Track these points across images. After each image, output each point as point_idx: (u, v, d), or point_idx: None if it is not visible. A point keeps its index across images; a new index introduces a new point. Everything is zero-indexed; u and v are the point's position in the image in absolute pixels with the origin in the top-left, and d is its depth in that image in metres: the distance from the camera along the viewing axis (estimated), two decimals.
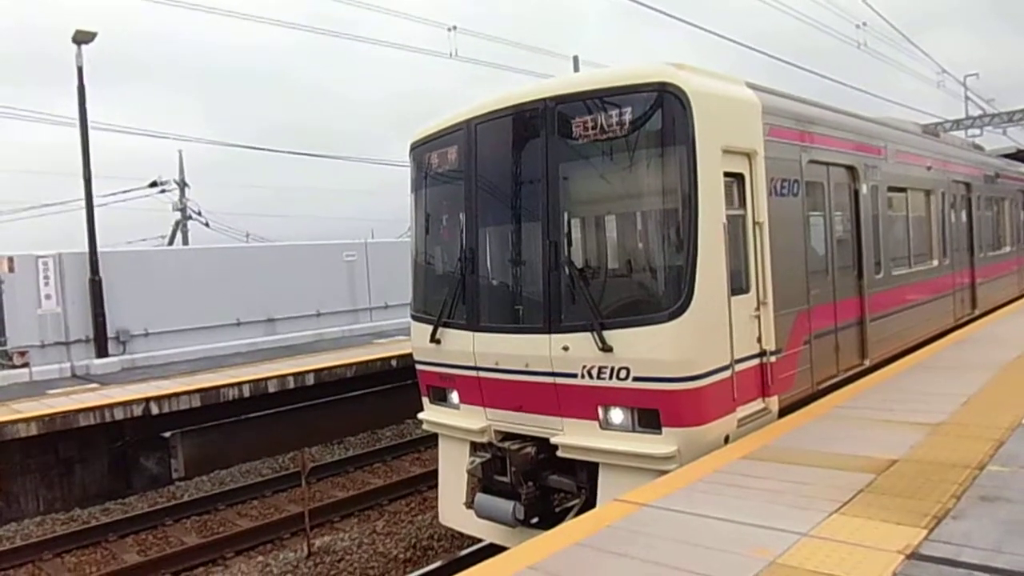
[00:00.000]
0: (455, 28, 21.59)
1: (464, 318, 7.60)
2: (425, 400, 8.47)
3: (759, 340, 7.08)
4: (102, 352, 17.15)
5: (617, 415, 6.53)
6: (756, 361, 7.03)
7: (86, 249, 17.25)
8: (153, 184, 30.95)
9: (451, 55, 21.64)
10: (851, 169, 9.39)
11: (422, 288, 8.67)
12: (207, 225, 33.02)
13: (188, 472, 13.22)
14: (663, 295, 6.49)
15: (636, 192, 6.94)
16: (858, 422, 6.91)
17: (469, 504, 7.68)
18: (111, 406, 12.34)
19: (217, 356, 17.95)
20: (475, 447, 7.71)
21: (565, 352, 6.68)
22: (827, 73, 22.47)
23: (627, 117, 6.42)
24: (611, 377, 6.43)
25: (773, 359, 7.13)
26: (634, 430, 6.44)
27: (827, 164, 8.77)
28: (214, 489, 12.50)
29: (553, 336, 6.77)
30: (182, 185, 32.34)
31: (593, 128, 6.58)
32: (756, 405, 7.02)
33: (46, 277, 16.79)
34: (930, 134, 13.93)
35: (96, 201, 17.85)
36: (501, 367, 7.27)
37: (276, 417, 14.27)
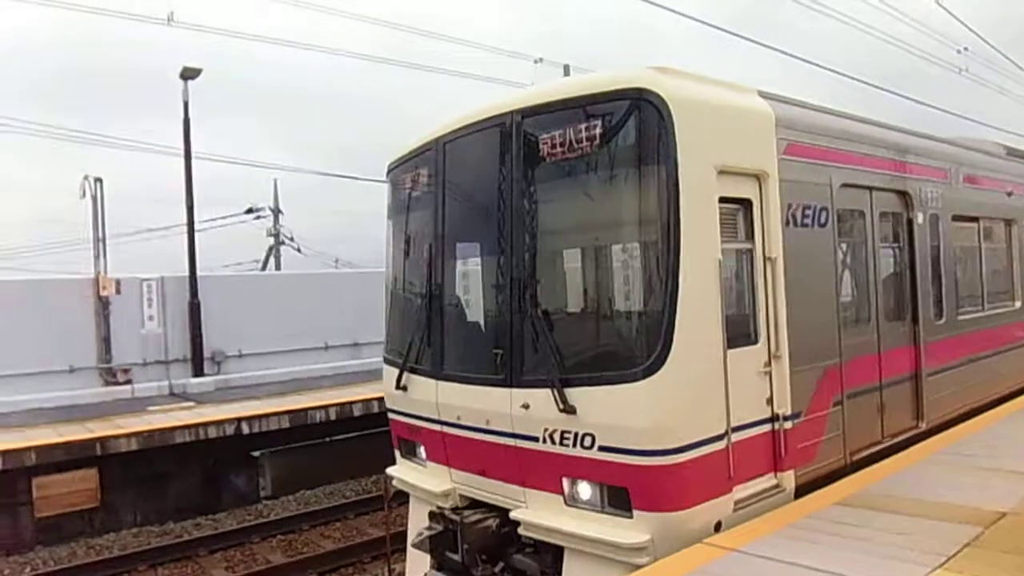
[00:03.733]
0: (541, 60, 21.75)
1: (429, 364, 6.67)
2: (397, 453, 7.61)
3: (769, 402, 5.89)
4: (198, 372, 17.91)
5: (584, 490, 5.46)
6: (766, 427, 5.83)
7: (186, 273, 18.14)
8: (249, 211, 32.18)
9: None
10: (903, 195, 8.03)
11: (394, 327, 7.69)
12: (299, 251, 34.08)
13: (275, 491, 13.63)
14: (635, 347, 5.44)
15: (608, 222, 5.98)
16: (960, 469, 6.55)
17: None
18: (205, 424, 12.87)
19: (305, 378, 18.50)
20: (431, 515, 6.59)
21: (525, 410, 5.64)
22: (926, 99, 21.58)
23: (597, 131, 5.38)
24: (574, 444, 5.36)
25: (788, 425, 5.91)
26: (603, 509, 5.36)
27: (869, 188, 7.46)
28: (299, 509, 12.82)
29: (514, 391, 5.74)
30: (276, 212, 33.52)
31: (561, 145, 5.56)
32: (764, 482, 5.81)
33: (149, 299, 17.65)
34: (1016, 156, 12.09)
35: (195, 226, 18.76)
36: (463, 423, 6.28)
37: (361, 440, 14.52)
